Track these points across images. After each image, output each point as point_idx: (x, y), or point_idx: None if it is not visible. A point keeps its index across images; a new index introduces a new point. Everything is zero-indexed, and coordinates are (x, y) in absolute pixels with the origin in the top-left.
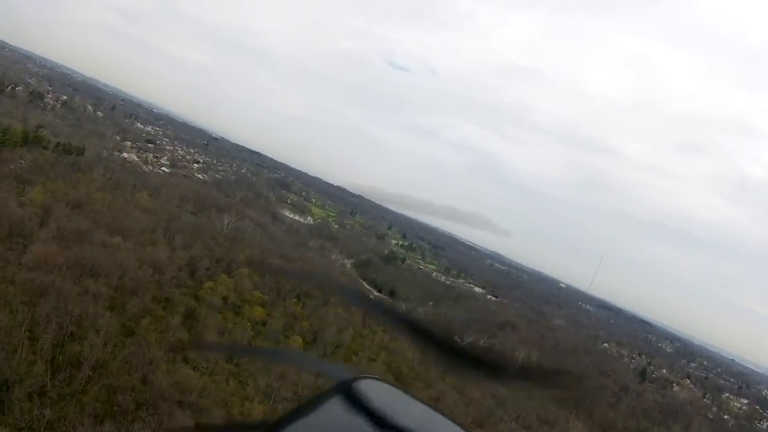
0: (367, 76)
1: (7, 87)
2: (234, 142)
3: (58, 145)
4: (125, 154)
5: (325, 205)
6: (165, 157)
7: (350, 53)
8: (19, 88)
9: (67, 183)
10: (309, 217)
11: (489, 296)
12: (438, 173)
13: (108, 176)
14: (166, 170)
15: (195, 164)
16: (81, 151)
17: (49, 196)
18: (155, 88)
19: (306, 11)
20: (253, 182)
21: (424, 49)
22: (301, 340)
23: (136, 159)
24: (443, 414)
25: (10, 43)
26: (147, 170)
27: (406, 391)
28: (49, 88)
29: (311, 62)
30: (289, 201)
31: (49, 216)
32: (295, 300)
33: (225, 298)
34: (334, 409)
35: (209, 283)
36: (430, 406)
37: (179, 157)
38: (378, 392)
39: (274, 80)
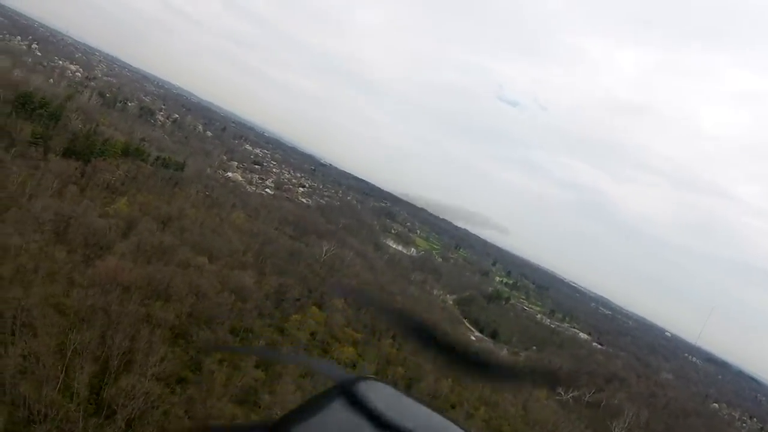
0: (476, 110)
1: (120, 102)
2: (341, 169)
3: (158, 158)
4: (229, 173)
5: (429, 237)
6: (270, 179)
7: (459, 86)
8: (132, 103)
9: (160, 197)
10: (412, 249)
11: (594, 343)
12: (544, 209)
13: (206, 193)
14: (270, 192)
15: (300, 188)
16: (181, 167)
17: (135, 208)
18: (267, 113)
19: (416, 44)
20: (358, 210)
21: (534, 84)
22: None
23: (240, 179)
24: (444, 416)
25: (131, 64)
26: (250, 191)
27: (407, 394)
28: (162, 107)
29: (420, 94)
30: (393, 231)
31: (133, 228)
32: (391, 341)
33: (313, 334)
34: (336, 409)
35: (296, 316)
36: (431, 407)
37: (285, 180)
38: (379, 393)
39: (382, 111)
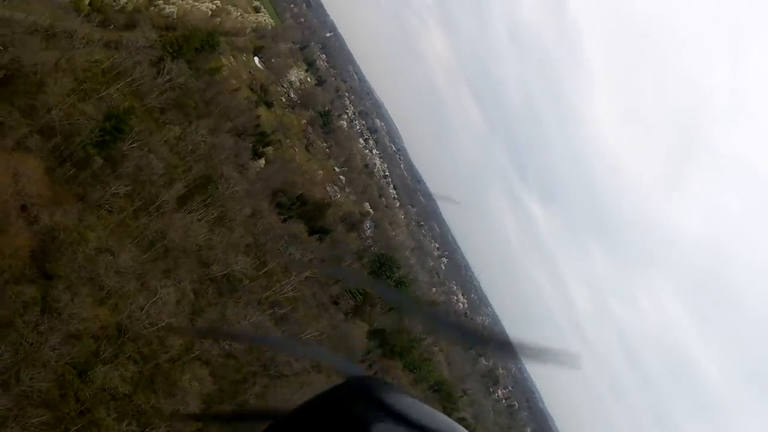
0: None
1: None
2: None
3: None
4: None
5: None
6: None
7: None
8: None
9: None
10: None
11: None
12: None
13: None
14: None
15: None
16: None
17: None
18: None
19: None
20: None
21: None
22: None
23: None
24: (447, 416)
25: None
26: None
27: (410, 394)
28: None
29: None
30: None
31: None
32: None
33: None
34: (348, 403)
35: None
36: (434, 409)
37: None
38: (388, 392)
39: None
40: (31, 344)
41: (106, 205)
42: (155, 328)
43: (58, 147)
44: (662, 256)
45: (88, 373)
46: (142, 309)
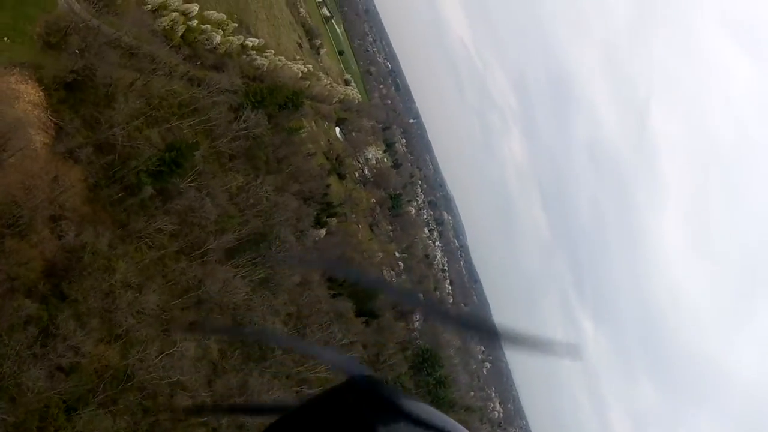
0: None
1: None
2: None
3: None
4: None
5: None
6: None
7: None
8: None
9: None
10: None
11: None
12: None
13: None
14: None
15: None
16: None
17: None
18: None
19: None
20: None
21: None
22: None
23: None
24: (449, 417)
25: None
26: None
27: (412, 395)
28: None
29: None
30: None
31: None
32: None
33: None
34: (349, 403)
35: None
36: (436, 409)
37: None
38: (390, 392)
39: None
40: (16, 364)
41: (147, 239)
42: (165, 381)
43: (112, 166)
44: (713, 395)
45: (78, 412)
46: (156, 357)
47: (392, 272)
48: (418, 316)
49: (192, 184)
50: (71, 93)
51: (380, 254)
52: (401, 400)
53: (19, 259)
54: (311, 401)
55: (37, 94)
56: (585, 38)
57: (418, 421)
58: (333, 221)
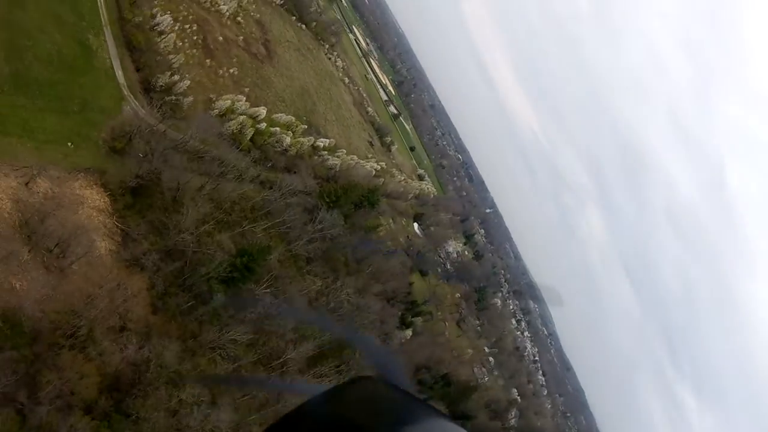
0: None
1: None
2: None
3: None
4: None
5: None
6: None
7: None
8: None
9: None
10: None
11: None
12: None
13: None
14: None
15: None
16: None
17: None
18: None
19: None
20: None
21: None
22: None
23: None
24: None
25: None
26: None
27: (416, 395)
28: None
29: None
30: None
31: None
32: None
33: None
34: (350, 403)
35: None
36: (433, 405)
37: None
38: (392, 392)
39: None
40: None
41: (220, 350)
42: None
43: (181, 273)
44: None
45: None
46: None
47: (483, 369)
48: (514, 413)
49: (267, 290)
50: (137, 198)
51: (470, 351)
52: (403, 401)
53: (78, 372)
54: (311, 402)
55: (102, 200)
56: (646, 104)
57: (418, 424)
58: (418, 320)
